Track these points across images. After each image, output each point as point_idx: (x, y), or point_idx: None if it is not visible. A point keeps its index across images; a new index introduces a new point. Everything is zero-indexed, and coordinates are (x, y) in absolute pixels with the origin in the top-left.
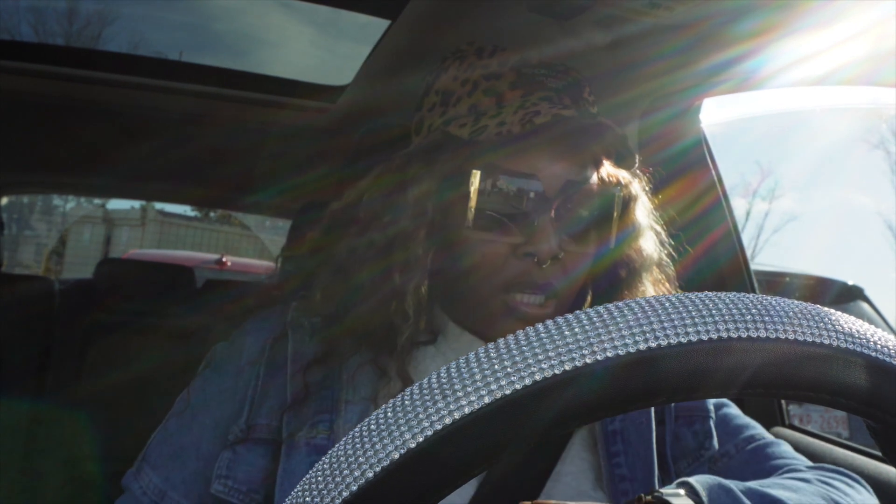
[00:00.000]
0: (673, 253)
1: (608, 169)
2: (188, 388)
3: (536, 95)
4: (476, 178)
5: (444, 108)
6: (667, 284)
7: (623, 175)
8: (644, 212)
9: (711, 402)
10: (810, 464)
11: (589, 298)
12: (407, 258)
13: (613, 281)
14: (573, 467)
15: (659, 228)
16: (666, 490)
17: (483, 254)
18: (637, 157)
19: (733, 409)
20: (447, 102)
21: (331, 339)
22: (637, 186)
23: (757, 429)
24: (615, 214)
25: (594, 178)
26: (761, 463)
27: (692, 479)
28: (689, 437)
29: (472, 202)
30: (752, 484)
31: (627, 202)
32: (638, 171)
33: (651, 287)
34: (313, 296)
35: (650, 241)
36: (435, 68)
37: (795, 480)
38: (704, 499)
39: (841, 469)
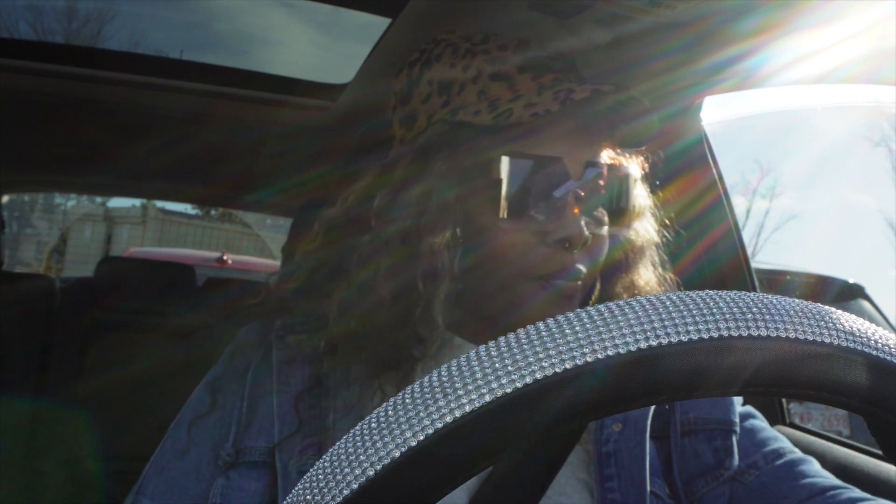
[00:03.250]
0: (667, 235)
1: (618, 148)
2: (182, 411)
3: (548, 77)
4: (505, 165)
5: (445, 97)
6: (659, 269)
7: (627, 154)
8: (644, 195)
9: (737, 415)
10: (839, 483)
11: (598, 284)
12: (434, 261)
13: (616, 264)
14: (569, 489)
15: (655, 210)
16: None
17: (513, 244)
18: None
19: (760, 421)
20: (448, 91)
21: (330, 354)
22: (636, 168)
23: (784, 442)
24: (631, 195)
25: (609, 159)
26: (795, 481)
27: None
28: (708, 453)
29: (504, 191)
30: None
31: (633, 183)
32: (633, 154)
33: (649, 270)
34: (325, 310)
35: (648, 221)
36: (412, 59)
37: None
38: None
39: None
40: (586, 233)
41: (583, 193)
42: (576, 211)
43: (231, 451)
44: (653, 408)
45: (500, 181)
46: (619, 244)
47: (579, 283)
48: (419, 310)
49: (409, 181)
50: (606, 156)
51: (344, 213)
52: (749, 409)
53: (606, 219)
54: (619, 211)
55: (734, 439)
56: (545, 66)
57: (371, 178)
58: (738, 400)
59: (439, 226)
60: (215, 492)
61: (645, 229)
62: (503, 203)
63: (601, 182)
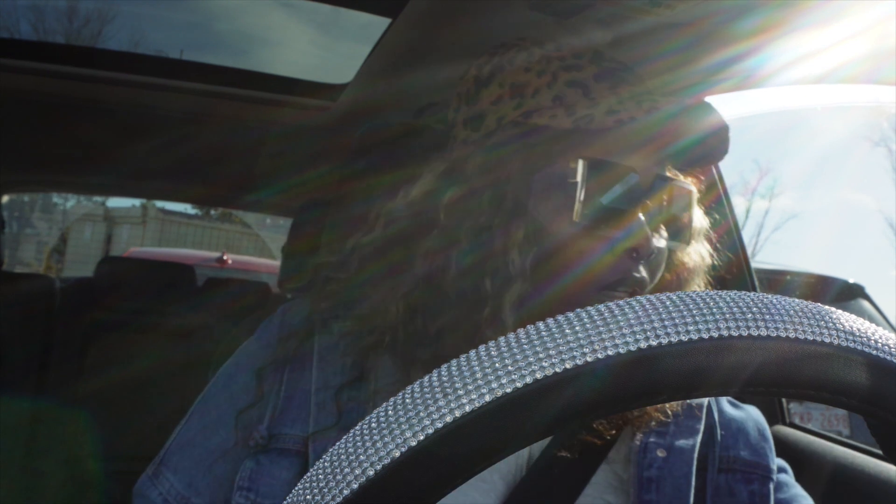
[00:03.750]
0: (718, 261)
1: (680, 166)
2: (210, 383)
3: (625, 88)
4: (582, 169)
5: (518, 99)
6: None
7: (686, 173)
8: (701, 216)
9: (775, 463)
10: None
11: None
12: (505, 262)
13: (665, 283)
14: None
15: (710, 234)
16: None
17: (581, 250)
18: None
19: (790, 476)
20: (523, 94)
21: (390, 349)
22: (695, 190)
23: (809, 501)
24: (693, 214)
25: (679, 175)
26: None
27: None
28: (744, 494)
29: (580, 196)
30: None
31: (695, 201)
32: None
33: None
34: (384, 303)
35: (702, 245)
36: (481, 62)
37: None
38: None
39: None
40: (653, 245)
41: (650, 205)
42: (645, 222)
43: (265, 435)
44: (699, 439)
45: (575, 185)
46: (673, 263)
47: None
48: (487, 310)
49: (481, 180)
50: (671, 171)
51: (407, 206)
52: (781, 462)
53: (666, 234)
54: (680, 228)
55: (771, 486)
56: (620, 78)
57: (436, 176)
58: (773, 448)
59: (512, 226)
60: (243, 475)
61: (698, 252)
62: (577, 207)
63: (665, 196)
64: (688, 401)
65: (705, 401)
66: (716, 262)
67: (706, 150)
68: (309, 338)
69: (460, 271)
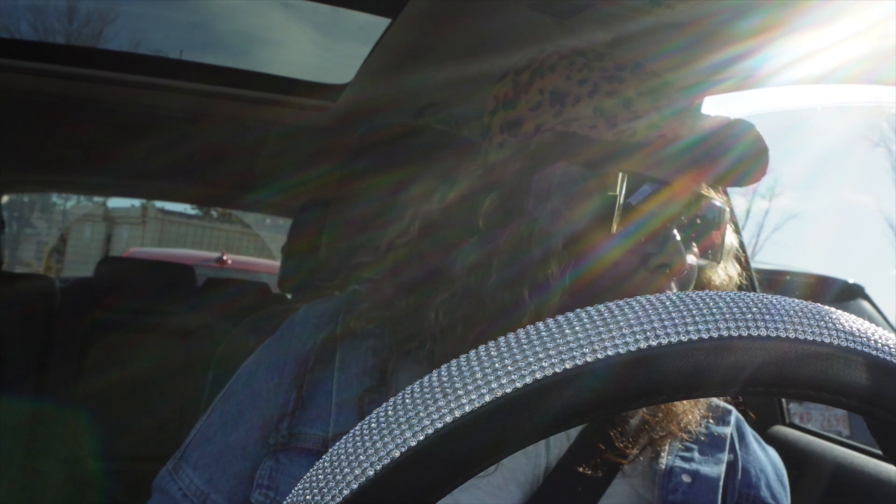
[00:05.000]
0: (746, 281)
1: (716, 185)
2: (232, 380)
3: (665, 104)
4: (622, 182)
5: (558, 107)
6: None
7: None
8: (732, 236)
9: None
10: None
11: None
12: (545, 273)
13: None
14: None
15: (740, 254)
16: None
17: (616, 263)
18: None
19: None
20: (563, 102)
21: (429, 355)
22: (728, 209)
23: None
24: (725, 233)
25: (709, 191)
26: None
27: None
28: None
29: (619, 208)
30: None
31: (728, 221)
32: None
33: None
34: (422, 309)
35: (731, 264)
36: (520, 67)
37: None
38: None
39: None
40: (687, 261)
41: (686, 221)
42: (679, 239)
43: (285, 433)
44: (724, 469)
45: (614, 197)
46: (701, 281)
47: None
48: (526, 321)
49: (520, 186)
50: (706, 189)
51: (443, 210)
52: None
53: (697, 251)
54: (712, 247)
55: None
56: (661, 93)
57: (473, 180)
58: (788, 496)
59: (552, 236)
60: (262, 473)
61: (726, 271)
62: (616, 220)
63: (699, 214)
64: (711, 428)
65: (728, 430)
66: (743, 283)
67: (745, 171)
68: (332, 337)
69: (501, 281)
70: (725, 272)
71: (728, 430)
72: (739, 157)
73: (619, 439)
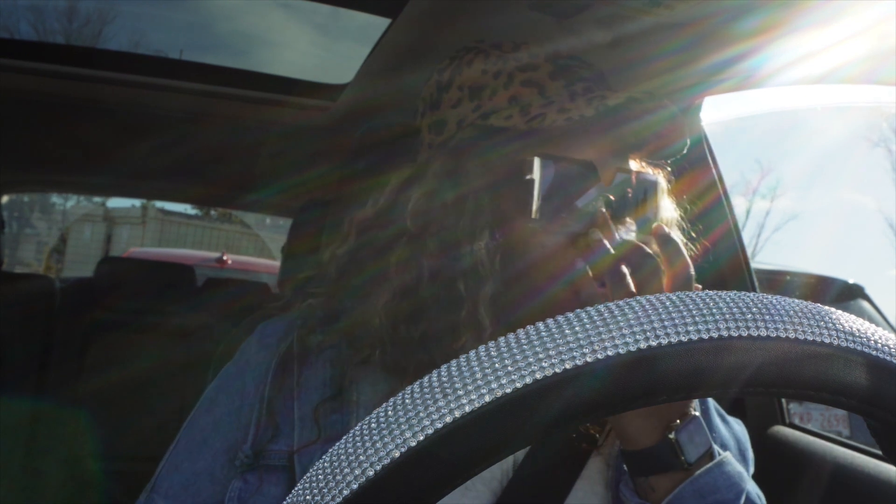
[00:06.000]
0: (695, 250)
1: (645, 159)
2: (195, 408)
3: (580, 86)
4: (538, 167)
5: (476, 101)
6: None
7: (653, 166)
8: (670, 207)
9: (748, 483)
10: None
11: None
12: (475, 263)
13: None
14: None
15: (684, 225)
16: None
17: (544, 246)
18: (685, 142)
19: None
20: (480, 96)
21: (379, 361)
22: (662, 178)
23: None
24: (659, 205)
25: (637, 167)
26: None
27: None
28: None
29: (535, 192)
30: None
31: (661, 192)
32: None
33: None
34: (365, 314)
35: (676, 234)
36: (441, 67)
37: None
38: None
39: None
40: (618, 237)
41: (613, 199)
42: (608, 215)
43: (249, 454)
44: None
45: (531, 182)
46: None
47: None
48: (464, 312)
49: (443, 185)
50: (634, 164)
51: (375, 215)
52: None
53: (634, 227)
54: (647, 220)
55: None
56: (576, 74)
57: (401, 181)
58: (751, 469)
59: (477, 228)
60: (231, 495)
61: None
62: (535, 204)
63: (629, 189)
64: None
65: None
66: (691, 250)
67: (665, 142)
68: (289, 354)
69: (432, 275)
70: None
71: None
72: (650, 129)
73: (589, 426)
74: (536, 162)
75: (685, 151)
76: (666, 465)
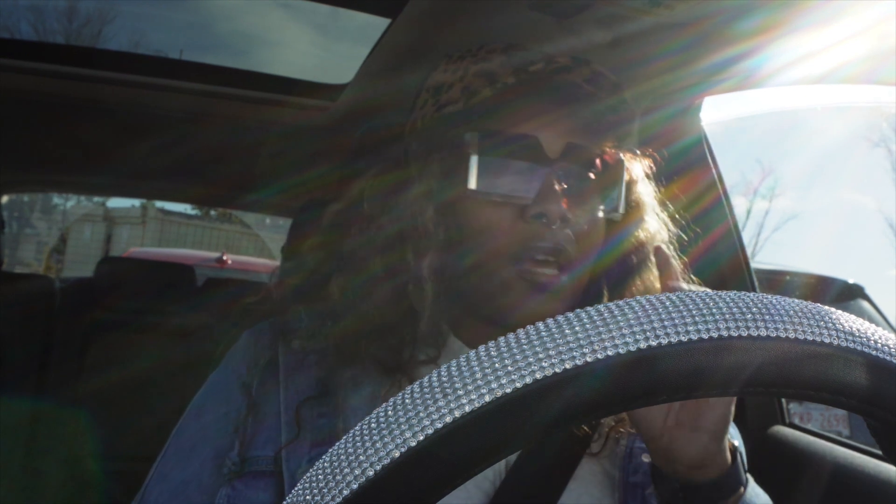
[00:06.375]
0: (677, 243)
1: (610, 139)
2: (183, 416)
3: (524, 76)
4: (474, 140)
5: (436, 98)
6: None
7: (625, 150)
8: (649, 193)
9: (744, 476)
10: None
11: (605, 291)
12: (418, 235)
13: (625, 268)
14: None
15: (665, 217)
16: None
17: (489, 219)
18: (634, 123)
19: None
20: (439, 92)
21: (339, 356)
22: (639, 167)
23: None
24: (622, 184)
25: (597, 145)
26: None
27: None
28: None
29: (473, 166)
30: None
31: (632, 179)
32: (638, 153)
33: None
34: (331, 309)
35: (655, 223)
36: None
37: None
38: None
39: None
40: (563, 208)
41: (560, 171)
42: (557, 189)
43: (236, 460)
44: None
45: (467, 154)
46: (623, 241)
47: (564, 276)
48: (409, 280)
49: (399, 182)
50: (596, 140)
51: (344, 210)
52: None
53: (602, 207)
54: (611, 199)
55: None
56: (527, 59)
57: (369, 178)
58: (744, 464)
59: (423, 202)
60: (220, 502)
61: (652, 229)
62: (472, 177)
63: (592, 169)
64: None
65: None
66: (671, 230)
67: (611, 115)
68: (274, 359)
69: (382, 251)
70: (656, 232)
71: None
72: (592, 104)
73: (582, 428)
74: (471, 136)
75: (630, 128)
76: (733, 490)
